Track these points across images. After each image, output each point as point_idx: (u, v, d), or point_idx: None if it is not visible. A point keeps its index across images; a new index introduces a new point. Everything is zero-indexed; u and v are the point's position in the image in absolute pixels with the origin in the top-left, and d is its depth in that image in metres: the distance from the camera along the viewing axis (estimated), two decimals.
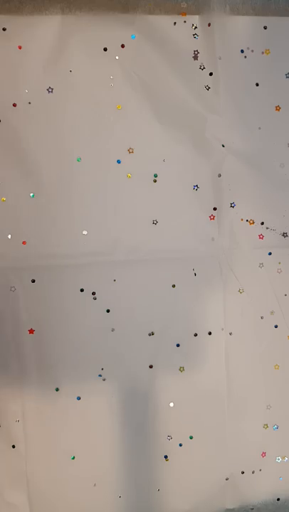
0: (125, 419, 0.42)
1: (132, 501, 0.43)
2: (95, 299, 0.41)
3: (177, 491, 0.43)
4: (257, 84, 0.42)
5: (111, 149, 0.40)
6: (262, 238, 0.44)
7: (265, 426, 0.45)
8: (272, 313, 0.45)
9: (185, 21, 0.40)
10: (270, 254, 0.44)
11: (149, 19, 0.39)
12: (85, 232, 0.41)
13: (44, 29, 0.38)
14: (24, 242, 0.40)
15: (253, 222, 0.44)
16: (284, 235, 0.44)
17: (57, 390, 0.41)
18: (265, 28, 0.41)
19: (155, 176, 0.41)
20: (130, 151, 0.41)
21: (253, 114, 0.42)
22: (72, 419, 0.41)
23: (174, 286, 0.42)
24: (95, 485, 0.41)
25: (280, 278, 0.45)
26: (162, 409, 0.42)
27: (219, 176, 0.42)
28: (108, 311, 0.41)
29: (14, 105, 0.38)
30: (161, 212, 0.42)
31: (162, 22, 0.40)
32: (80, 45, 0.39)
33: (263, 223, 0.44)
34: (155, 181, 0.41)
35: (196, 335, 0.43)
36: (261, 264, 0.44)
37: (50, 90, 0.39)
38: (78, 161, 0.40)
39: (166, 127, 0.41)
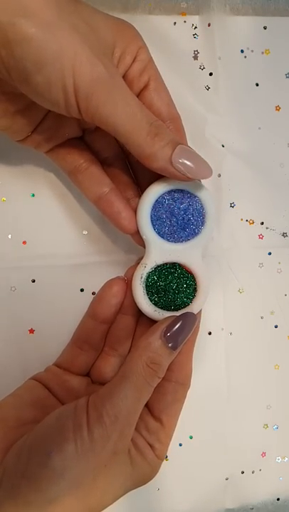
0: None
1: (132, 501, 0.43)
2: None
3: (177, 490, 0.43)
4: (257, 84, 0.42)
5: None
6: (262, 238, 0.44)
7: (265, 426, 0.45)
8: (272, 313, 0.45)
9: (185, 21, 0.40)
10: (269, 254, 0.44)
11: (149, 19, 0.39)
12: (85, 232, 0.41)
13: None
14: (24, 242, 0.40)
15: (253, 222, 0.44)
16: (284, 235, 0.44)
17: None
18: (265, 28, 0.41)
19: None
20: None
21: (253, 114, 0.42)
22: None
23: None
24: None
25: (280, 278, 0.45)
26: None
27: (219, 176, 0.42)
28: None
29: None
30: None
31: (162, 22, 0.40)
32: None
33: (262, 223, 0.44)
34: None
35: None
36: (261, 264, 0.44)
37: None
38: None
39: None
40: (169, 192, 0.34)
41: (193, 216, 0.34)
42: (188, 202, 0.34)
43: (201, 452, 0.44)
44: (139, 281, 0.35)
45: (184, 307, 0.35)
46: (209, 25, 0.40)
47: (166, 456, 0.43)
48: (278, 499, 0.46)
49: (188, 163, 0.30)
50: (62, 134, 0.34)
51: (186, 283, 0.35)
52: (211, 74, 0.41)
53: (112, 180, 0.35)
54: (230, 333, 0.44)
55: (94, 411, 0.29)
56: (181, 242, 0.35)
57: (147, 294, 0.35)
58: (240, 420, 0.44)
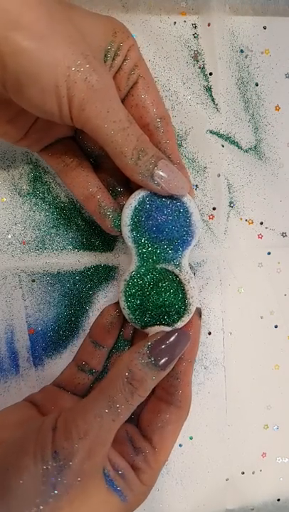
0: None
1: None
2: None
3: (177, 491, 0.43)
4: (257, 84, 0.42)
5: None
6: (261, 238, 0.44)
7: (266, 426, 0.45)
8: (272, 313, 0.45)
9: (185, 21, 0.40)
10: (269, 253, 0.44)
11: (149, 19, 0.39)
12: (85, 232, 0.41)
13: None
14: (24, 242, 0.40)
15: (253, 222, 0.44)
16: (283, 234, 0.44)
17: None
18: (265, 28, 0.41)
19: None
20: None
21: (253, 114, 0.42)
22: None
23: None
24: None
25: (279, 278, 0.45)
26: None
27: (219, 176, 0.42)
28: None
29: None
30: None
31: (162, 22, 0.40)
32: None
33: (262, 223, 0.44)
34: None
35: None
36: (260, 264, 0.44)
37: None
38: None
39: None
40: (152, 197, 0.33)
41: (177, 221, 0.34)
42: (172, 207, 0.33)
43: (201, 453, 0.43)
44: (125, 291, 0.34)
45: (175, 314, 0.34)
46: (209, 25, 0.40)
47: None
48: (279, 500, 0.45)
49: (167, 178, 0.31)
50: (52, 134, 0.35)
51: (174, 290, 0.34)
52: (211, 74, 0.41)
53: (103, 177, 0.35)
54: (230, 333, 0.44)
55: (63, 426, 0.27)
56: (166, 248, 0.34)
57: (134, 302, 0.34)
58: (241, 420, 0.44)
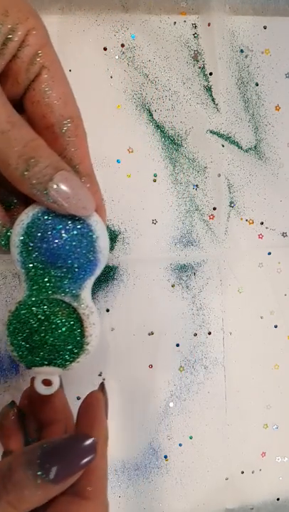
0: (125, 418, 0.42)
1: (131, 501, 0.43)
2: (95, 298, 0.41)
3: (177, 490, 0.43)
4: (257, 84, 0.42)
5: (111, 149, 0.40)
6: (261, 238, 0.44)
7: (265, 426, 0.45)
8: (272, 313, 0.45)
9: (185, 21, 0.40)
10: (269, 254, 0.44)
11: (149, 19, 0.39)
12: None
13: None
14: None
15: (253, 222, 0.44)
16: (283, 234, 0.44)
17: None
18: (265, 28, 0.41)
19: (155, 175, 0.41)
20: (130, 150, 0.41)
21: (253, 114, 0.42)
22: None
23: (173, 285, 0.42)
24: None
25: (279, 278, 0.45)
26: (162, 409, 0.42)
27: (219, 175, 0.42)
28: (108, 310, 0.41)
29: None
30: (160, 212, 0.42)
31: (162, 22, 0.40)
32: (80, 45, 0.39)
33: (262, 223, 0.44)
34: (155, 181, 0.41)
35: (195, 335, 0.43)
36: (261, 264, 0.44)
37: None
38: None
39: (166, 127, 0.41)
40: (50, 215, 0.27)
41: (78, 246, 0.27)
42: (73, 228, 0.27)
43: (201, 452, 0.44)
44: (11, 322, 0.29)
45: (68, 354, 0.28)
46: (209, 24, 0.40)
47: (166, 457, 0.43)
48: (278, 499, 0.46)
49: (66, 194, 0.25)
50: None
51: (68, 326, 0.28)
52: (211, 74, 0.41)
53: None
54: (230, 333, 0.44)
55: None
56: (63, 276, 0.28)
57: (19, 337, 0.28)
58: (240, 420, 0.44)
